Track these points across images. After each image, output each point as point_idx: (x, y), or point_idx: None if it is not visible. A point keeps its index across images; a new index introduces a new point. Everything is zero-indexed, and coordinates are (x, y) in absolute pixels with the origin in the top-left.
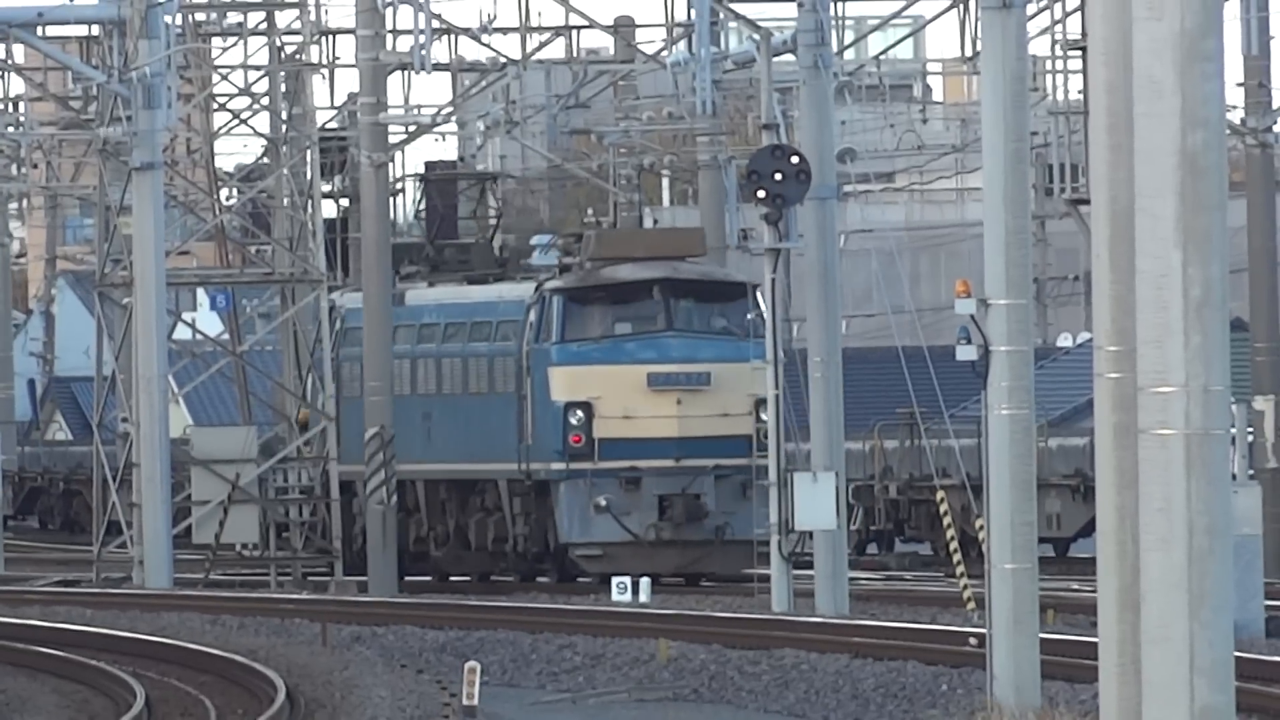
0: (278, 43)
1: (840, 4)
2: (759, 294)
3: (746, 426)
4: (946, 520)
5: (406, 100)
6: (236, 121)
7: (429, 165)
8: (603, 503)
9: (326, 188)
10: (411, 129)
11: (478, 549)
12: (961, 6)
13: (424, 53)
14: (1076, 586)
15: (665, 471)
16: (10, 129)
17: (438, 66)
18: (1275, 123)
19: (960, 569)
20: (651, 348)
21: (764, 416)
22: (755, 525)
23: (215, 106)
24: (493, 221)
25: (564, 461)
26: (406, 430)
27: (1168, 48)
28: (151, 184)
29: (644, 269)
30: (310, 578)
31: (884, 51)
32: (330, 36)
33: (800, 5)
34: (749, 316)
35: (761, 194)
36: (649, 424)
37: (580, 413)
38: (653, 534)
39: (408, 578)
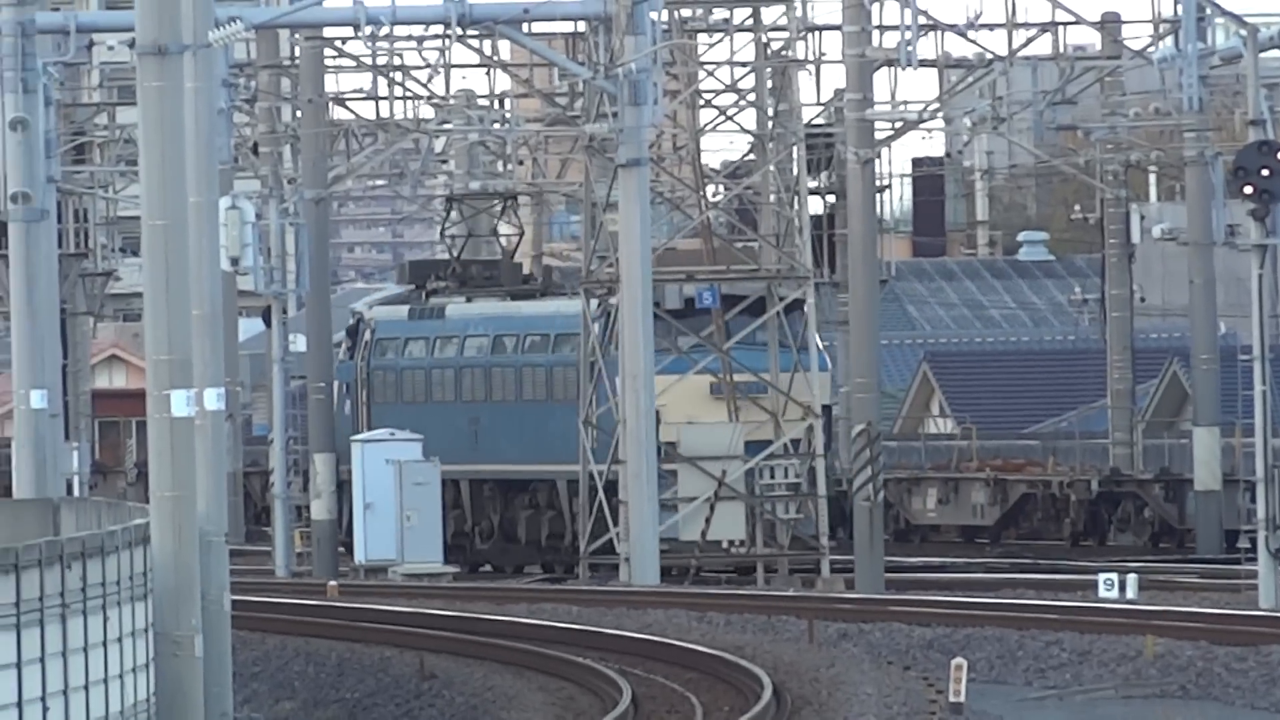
0: (764, 39)
1: None
2: (805, 309)
3: (798, 430)
4: None
5: (893, 96)
6: (722, 118)
7: (916, 162)
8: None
9: (813, 184)
10: (898, 125)
11: (528, 543)
12: None
13: (910, 49)
14: None
15: None
16: (497, 125)
17: (924, 62)
18: None
19: None
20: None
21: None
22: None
23: (701, 103)
24: (515, 239)
25: None
26: (451, 435)
27: None
28: (638, 180)
29: (704, 286)
30: (797, 574)
31: None
32: (817, 32)
33: None
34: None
35: (1249, 190)
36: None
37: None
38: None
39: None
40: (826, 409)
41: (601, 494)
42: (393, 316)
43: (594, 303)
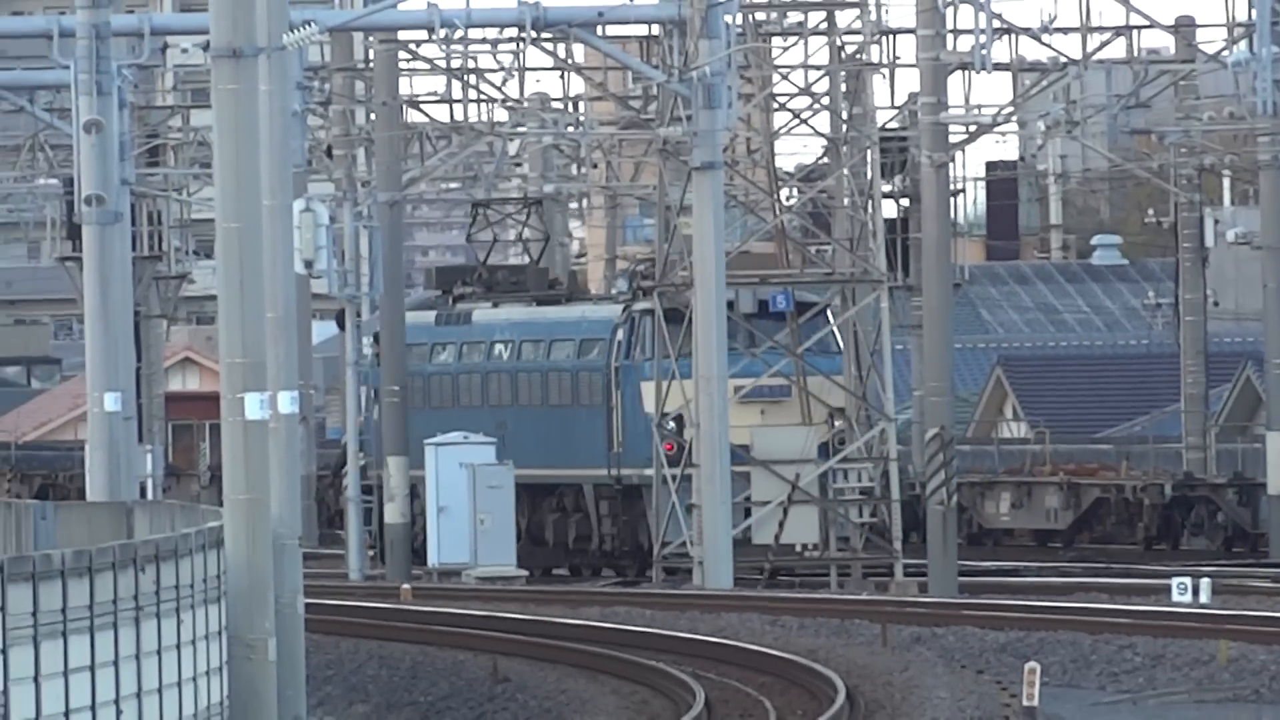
0: (838, 42)
1: None
2: (830, 314)
3: (823, 434)
4: None
5: (967, 100)
6: (797, 121)
7: (990, 166)
8: (696, 504)
9: (887, 187)
10: (972, 129)
11: (555, 546)
12: None
13: (984, 52)
14: None
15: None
16: (570, 129)
17: (998, 66)
18: None
19: None
20: (736, 363)
21: (838, 424)
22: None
23: (775, 106)
24: (541, 243)
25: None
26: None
27: None
28: (711, 184)
29: (727, 292)
30: (870, 578)
31: None
32: (891, 36)
33: None
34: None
35: None
36: (735, 433)
37: (672, 423)
38: (740, 534)
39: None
40: (841, 410)
41: (675, 496)
42: (419, 322)
43: (619, 309)
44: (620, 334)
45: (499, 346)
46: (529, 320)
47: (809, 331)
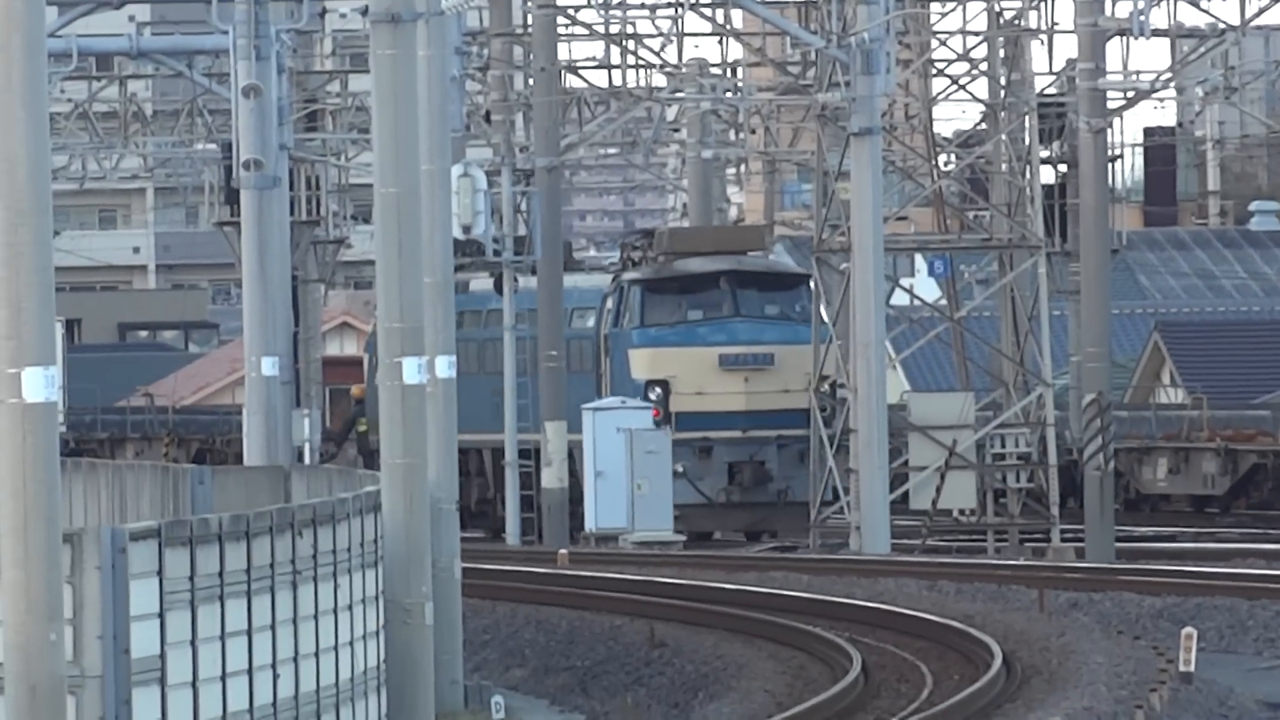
0: (996, 7)
1: None
2: (812, 284)
3: (804, 401)
4: None
5: (1125, 66)
6: (955, 87)
7: (1148, 131)
8: (679, 469)
9: (1045, 153)
10: (1130, 95)
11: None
12: None
13: (1143, 18)
14: None
15: (734, 441)
16: (729, 94)
17: (1157, 32)
18: None
19: None
20: (721, 331)
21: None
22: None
23: (934, 72)
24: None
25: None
26: (475, 405)
27: None
28: (870, 149)
29: (712, 262)
30: (1027, 543)
31: None
32: (1049, 1)
33: None
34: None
35: None
36: (720, 399)
37: (658, 389)
38: (723, 496)
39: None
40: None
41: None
42: None
43: (609, 279)
44: (610, 303)
45: (494, 315)
46: (523, 289)
47: (790, 301)
